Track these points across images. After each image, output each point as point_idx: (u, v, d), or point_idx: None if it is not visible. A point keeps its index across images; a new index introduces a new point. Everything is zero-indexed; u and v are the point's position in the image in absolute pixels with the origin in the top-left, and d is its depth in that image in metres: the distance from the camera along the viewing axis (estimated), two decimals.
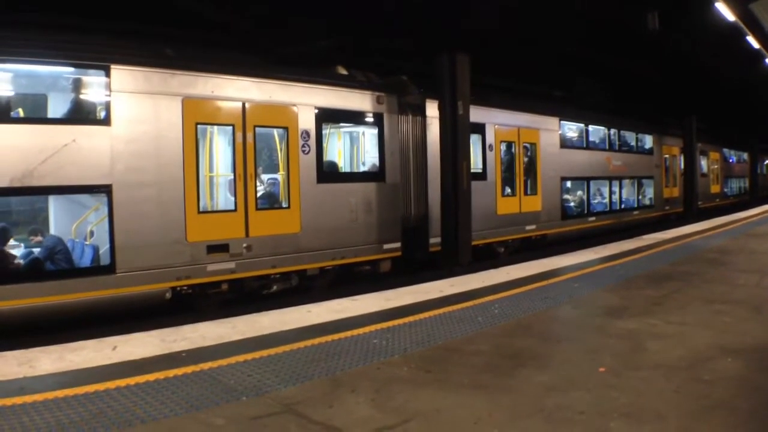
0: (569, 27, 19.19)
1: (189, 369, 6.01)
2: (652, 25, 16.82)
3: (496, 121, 18.64)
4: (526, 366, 6.15)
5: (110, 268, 10.62)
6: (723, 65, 27.01)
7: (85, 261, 10.93)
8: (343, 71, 15.35)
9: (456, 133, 14.83)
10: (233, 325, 7.82)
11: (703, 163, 35.87)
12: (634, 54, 23.05)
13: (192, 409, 5.03)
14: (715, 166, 38.70)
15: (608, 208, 25.17)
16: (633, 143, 27.54)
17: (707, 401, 5.21)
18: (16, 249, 10.88)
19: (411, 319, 8.16)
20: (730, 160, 43.63)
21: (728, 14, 17.44)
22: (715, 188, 38.37)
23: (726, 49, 23.53)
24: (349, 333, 7.43)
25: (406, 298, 9.43)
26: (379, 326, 7.76)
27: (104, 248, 10.87)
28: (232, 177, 12.34)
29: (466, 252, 15.09)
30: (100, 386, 5.50)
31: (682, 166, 31.85)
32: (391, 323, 7.92)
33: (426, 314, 8.43)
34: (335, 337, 7.25)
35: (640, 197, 27.85)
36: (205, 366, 6.11)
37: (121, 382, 5.61)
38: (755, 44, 21.71)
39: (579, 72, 25.10)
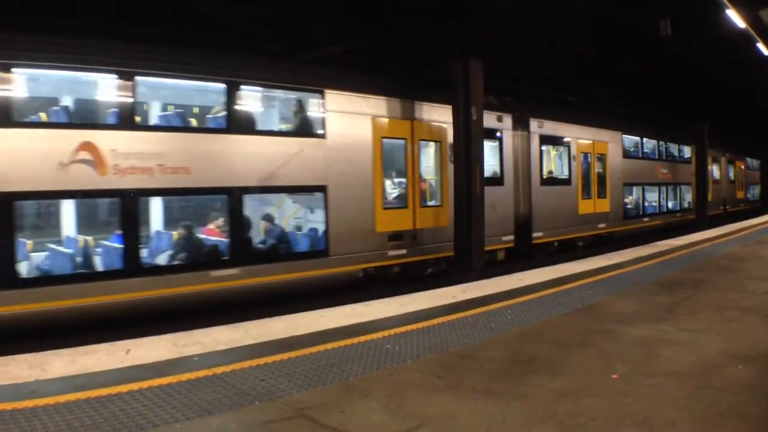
0: (582, 32, 19.19)
1: (201, 373, 6.02)
2: (664, 31, 16.76)
3: (577, 136, 21.97)
4: (538, 372, 6.14)
5: (325, 253, 13.72)
6: (733, 72, 26.96)
7: (307, 246, 13.83)
8: None
9: (469, 138, 14.82)
10: (246, 329, 7.83)
11: (731, 171, 40.10)
12: (647, 60, 23.02)
13: (204, 413, 5.05)
14: (741, 175, 42.62)
15: (657, 211, 28.65)
16: (676, 154, 31.43)
17: (718, 408, 5.20)
18: (269, 234, 13.62)
19: (424, 324, 8.16)
20: (750, 168, 46.04)
21: (739, 21, 17.40)
22: (740, 194, 42.27)
23: (736, 56, 23.51)
24: (362, 338, 7.44)
25: (419, 304, 9.42)
26: (392, 331, 7.77)
27: (321, 236, 13.85)
28: (405, 180, 15.66)
29: (479, 257, 15.06)
30: (113, 390, 5.52)
31: (716, 174, 35.93)
32: (404, 329, 7.93)
33: (439, 320, 8.44)
34: (348, 342, 7.27)
35: (681, 201, 31.45)
36: (218, 370, 6.12)
37: (134, 386, 5.62)
38: (765, 51, 21.63)
39: (592, 78, 25.12)
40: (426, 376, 6.06)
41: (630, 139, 26.51)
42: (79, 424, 4.79)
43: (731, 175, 40.01)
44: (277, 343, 7.16)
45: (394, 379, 5.98)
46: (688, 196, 32.11)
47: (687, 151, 32.30)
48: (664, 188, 29.30)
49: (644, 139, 27.55)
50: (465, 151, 14.84)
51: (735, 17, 17.12)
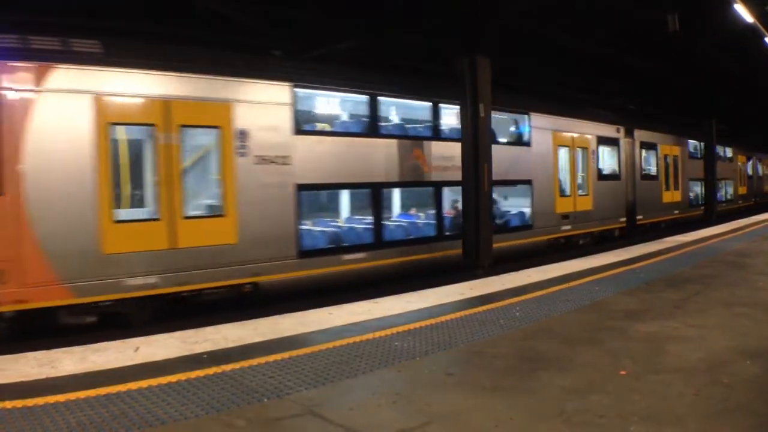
0: (593, 28, 19.22)
1: (211, 370, 6.06)
2: (672, 27, 16.70)
3: (662, 142, 28.03)
4: (546, 369, 6.15)
5: (531, 227, 19.20)
6: (742, 67, 26.90)
7: (523, 222, 19.13)
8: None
9: (477, 135, 14.77)
10: (255, 327, 7.86)
11: (759, 167, 48.05)
12: (656, 56, 23.01)
13: (213, 410, 5.07)
14: (766, 170, 50.84)
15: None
16: (722, 154, 36.93)
17: (726, 404, 5.20)
18: (505, 213, 19.19)
19: (432, 321, 8.18)
20: None
21: (747, 16, 17.34)
22: (767, 188, 50.15)
23: (745, 51, 23.45)
24: (370, 335, 7.46)
25: (427, 301, 9.46)
26: (400, 329, 7.79)
27: (529, 216, 19.27)
28: (569, 176, 21.08)
29: (486, 254, 15.03)
30: (122, 387, 5.56)
31: (749, 171, 44.07)
32: (412, 326, 7.94)
33: (447, 317, 8.45)
34: (356, 339, 7.29)
35: (726, 193, 37.78)
36: (227, 368, 6.15)
37: (143, 383, 5.66)
38: None
39: (601, 74, 25.19)
40: (435, 373, 6.07)
41: (694, 144, 32.51)
42: (89, 421, 4.82)
43: (759, 171, 47.77)
44: (286, 341, 7.19)
45: (402, 376, 6.00)
46: (730, 189, 38.77)
47: (729, 152, 38.71)
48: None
49: (701, 144, 32.87)
50: (473, 149, 14.79)
51: (743, 12, 17.06)
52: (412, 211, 17.63)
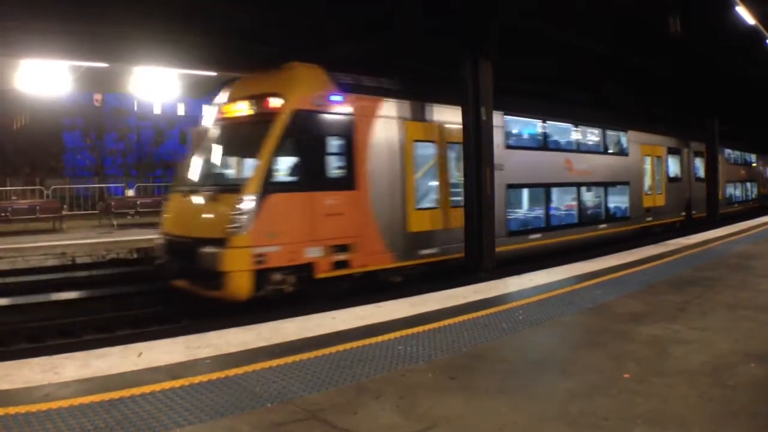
0: (594, 27, 19.20)
1: (214, 375, 6.05)
2: (673, 28, 16.75)
3: (726, 151, 35.34)
4: (550, 372, 6.16)
5: (628, 218, 24.16)
6: (743, 68, 27.00)
7: (624, 214, 24.17)
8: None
9: (479, 139, 14.77)
10: (258, 331, 7.86)
11: None
12: (657, 56, 23.04)
13: (217, 415, 5.07)
14: None
15: (742, 199, 40.55)
16: (749, 159, 43.46)
17: (730, 407, 5.20)
18: (615, 207, 24.12)
19: (436, 325, 8.16)
20: None
21: (748, 18, 17.35)
22: None
23: (746, 52, 23.50)
24: (373, 339, 7.44)
25: (430, 305, 9.43)
26: (403, 333, 7.77)
27: (626, 209, 24.14)
28: (650, 179, 25.81)
29: (489, 258, 15.02)
30: (125, 393, 5.55)
31: None
32: (415, 330, 7.93)
33: (451, 320, 8.43)
34: (360, 343, 7.27)
35: (749, 193, 42.90)
36: (230, 372, 6.14)
37: (146, 389, 5.66)
38: None
39: (603, 74, 25.19)
40: (438, 377, 6.08)
41: (726, 150, 36.96)
42: (93, 426, 4.82)
43: None
44: (289, 345, 7.18)
45: (406, 380, 5.99)
46: (754, 189, 44.25)
47: (753, 158, 44.54)
48: (742, 184, 40.84)
49: (735, 151, 39.19)
50: (475, 152, 14.77)
51: (744, 13, 17.07)
52: (564, 205, 21.90)
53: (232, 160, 14.42)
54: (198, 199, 12.94)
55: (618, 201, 23.97)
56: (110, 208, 25.17)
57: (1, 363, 6.62)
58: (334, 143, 13.37)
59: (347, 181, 13.44)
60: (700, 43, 21.30)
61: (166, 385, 5.78)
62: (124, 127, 60.50)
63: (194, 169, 13.98)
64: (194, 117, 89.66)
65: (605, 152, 23.18)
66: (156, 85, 22.05)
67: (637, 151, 24.85)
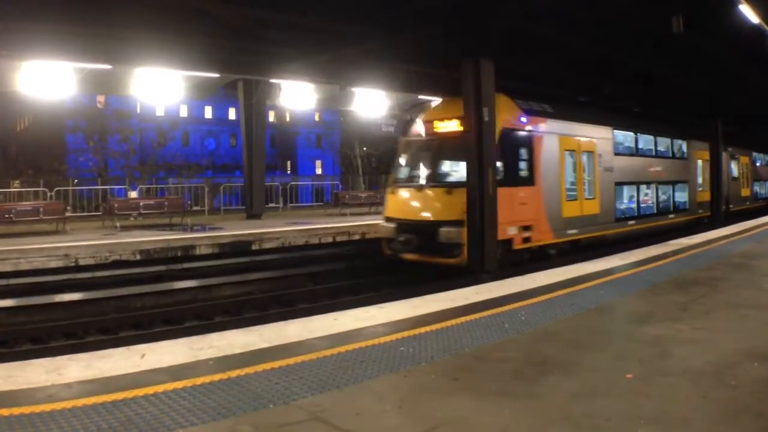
0: (597, 28, 19.18)
1: (216, 377, 6.05)
2: (676, 27, 16.71)
3: (740, 154, 38.96)
4: (553, 373, 6.14)
5: (688, 210, 29.47)
6: (747, 68, 26.85)
7: (685, 207, 29.56)
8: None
9: (481, 139, 14.76)
10: (260, 333, 7.85)
11: None
12: (660, 56, 22.98)
13: (219, 416, 5.07)
14: None
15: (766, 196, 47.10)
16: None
17: (734, 406, 5.19)
18: (676, 200, 29.44)
19: (438, 326, 8.15)
20: None
21: (752, 16, 17.30)
22: None
23: (750, 51, 23.38)
24: (375, 341, 7.43)
25: (432, 306, 9.41)
26: (405, 334, 7.76)
27: (685, 202, 29.43)
28: (700, 178, 31.14)
29: (491, 259, 15.02)
30: (128, 394, 5.55)
31: None
32: (417, 331, 7.91)
33: (453, 321, 8.41)
34: (362, 344, 7.26)
35: None
36: (233, 374, 6.14)
37: (149, 390, 5.65)
38: None
39: (605, 75, 25.17)
40: (440, 378, 6.07)
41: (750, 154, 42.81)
42: (96, 428, 4.82)
43: None
44: (291, 347, 7.18)
45: (408, 382, 5.99)
46: None
47: None
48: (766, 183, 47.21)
49: (760, 154, 45.38)
50: (477, 152, 14.79)
51: (748, 12, 17.01)
52: (648, 199, 26.64)
53: (453, 164, 18.06)
54: (432, 193, 17.52)
55: (681, 196, 29.39)
56: (113, 209, 25.15)
57: (5, 364, 6.63)
58: (523, 152, 18.21)
59: (530, 180, 18.25)
60: (699, 42, 21.28)
61: (169, 386, 5.77)
62: (127, 129, 60.48)
63: (417, 171, 18.50)
64: (197, 118, 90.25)
65: (673, 157, 28.81)
66: (159, 87, 21.99)
67: (692, 155, 30.44)
